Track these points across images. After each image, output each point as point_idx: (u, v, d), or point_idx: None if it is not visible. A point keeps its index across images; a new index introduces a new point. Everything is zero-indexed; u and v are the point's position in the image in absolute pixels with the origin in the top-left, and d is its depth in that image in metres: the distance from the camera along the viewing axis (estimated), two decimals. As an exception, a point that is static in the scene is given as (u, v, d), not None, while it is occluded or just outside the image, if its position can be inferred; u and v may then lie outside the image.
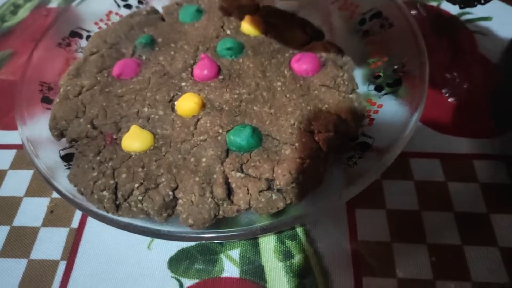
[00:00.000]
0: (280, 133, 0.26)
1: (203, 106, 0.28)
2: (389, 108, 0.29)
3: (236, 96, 0.29)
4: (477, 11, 0.38)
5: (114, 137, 0.27)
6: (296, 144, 0.25)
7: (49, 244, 0.28)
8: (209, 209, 0.23)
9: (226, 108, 0.28)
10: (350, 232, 0.27)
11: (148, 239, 0.27)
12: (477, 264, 0.25)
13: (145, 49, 0.33)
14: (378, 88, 0.31)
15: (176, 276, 0.26)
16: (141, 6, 0.39)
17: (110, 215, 0.25)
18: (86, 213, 0.25)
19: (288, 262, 0.26)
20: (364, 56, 0.34)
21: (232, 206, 0.24)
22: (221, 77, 0.30)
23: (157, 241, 0.27)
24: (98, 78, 0.31)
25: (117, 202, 0.24)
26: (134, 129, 0.27)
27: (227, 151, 0.26)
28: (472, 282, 0.24)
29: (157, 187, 0.24)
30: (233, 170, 0.24)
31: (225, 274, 0.26)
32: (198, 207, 0.23)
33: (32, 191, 0.30)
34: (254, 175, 0.24)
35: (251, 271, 0.26)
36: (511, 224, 0.26)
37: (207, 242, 0.27)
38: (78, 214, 0.29)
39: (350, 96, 0.29)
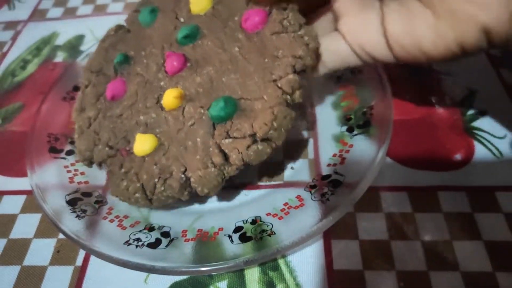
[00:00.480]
0: (249, 93, 0.29)
1: (183, 97, 0.31)
2: (360, 147, 0.32)
3: (205, 76, 0.31)
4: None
5: (128, 149, 0.31)
6: (265, 97, 0.28)
7: (56, 282, 0.31)
8: (216, 176, 0.27)
9: (201, 90, 0.30)
10: (327, 262, 0.29)
11: (145, 274, 0.30)
12: (441, 288, 0.28)
13: (123, 66, 0.34)
14: (350, 130, 0.34)
15: (170, 307, 0.29)
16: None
17: (111, 253, 0.28)
18: (89, 251, 0.28)
19: (270, 291, 0.29)
20: (337, 99, 0.38)
21: (232, 167, 0.27)
22: (189, 64, 0.32)
23: (152, 276, 0.30)
24: (99, 106, 0.34)
25: (148, 198, 0.28)
26: (139, 137, 0.30)
27: (214, 125, 0.29)
28: (437, 304, 0.27)
29: (171, 175, 0.28)
30: (223, 139, 0.28)
31: (214, 304, 0.28)
32: (206, 178, 0.27)
33: (40, 233, 0.34)
34: (239, 136, 0.27)
35: (238, 301, 0.28)
36: (471, 250, 0.29)
37: (197, 275, 0.30)
38: (82, 253, 0.32)
39: (299, 33, 0.29)
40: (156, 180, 0.28)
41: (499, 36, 0.21)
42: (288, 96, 0.28)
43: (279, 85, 0.28)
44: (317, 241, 0.30)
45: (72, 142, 0.36)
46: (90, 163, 0.32)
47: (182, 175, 0.28)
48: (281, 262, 0.30)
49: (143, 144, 0.30)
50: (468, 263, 0.28)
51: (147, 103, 0.32)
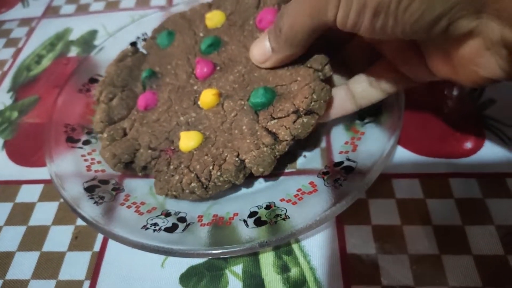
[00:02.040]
0: (283, 79, 0.31)
1: (219, 94, 0.33)
2: (371, 135, 0.33)
3: (237, 74, 0.34)
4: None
5: (172, 148, 0.32)
6: (298, 78, 0.30)
7: (75, 266, 0.31)
8: (269, 155, 0.29)
9: (236, 86, 0.33)
10: (340, 246, 0.30)
11: (161, 258, 0.31)
12: (453, 271, 0.28)
13: (152, 80, 0.38)
14: (361, 117, 0.35)
15: (187, 290, 0.29)
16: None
17: (129, 237, 0.28)
18: (108, 235, 0.29)
19: (285, 275, 0.29)
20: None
21: (282, 144, 0.29)
22: (218, 68, 0.35)
23: (169, 260, 0.31)
24: (133, 118, 0.36)
25: (204, 186, 0.29)
26: (184, 134, 0.32)
27: (256, 112, 0.31)
28: (449, 286, 0.27)
29: (225, 161, 0.29)
30: (268, 122, 0.30)
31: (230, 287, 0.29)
32: (261, 157, 0.29)
33: (58, 220, 0.34)
34: (283, 115, 0.29)
35: (253, 284, 0.29)
36: (483, 235, 0.29)
37: (214, 259, 0.30)
38: (99, 239, 0.33)
39: None
40: (211, 167, 0.30)
41: None
42: (319, 73, 0.30)
43: (309, 65, 0.30)
44: (330, 227, 0.31)
45: (88, 133, 0.37)
46: (125, 167, 0.33)
47: (236, 158, 0.30)
48: (295, 246, 0.30)
49: (188, 140, 0.32)
50: (480, 247, 0.29)
51: (183, 105, 0.34)
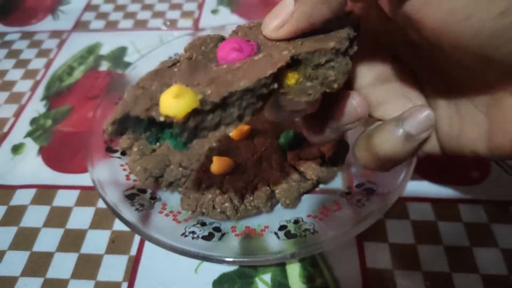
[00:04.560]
0: None
1: (250, 130, 0.38)
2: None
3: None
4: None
5: (204, 169, 0.35)
6: None
7: (112, 268, 0.34)
8: (296, 190, 0.34)
9: (267, 126, 0.38)
10: (360, 261, 0.33)
11: (195, 264, 0.33)
12: None
13: None
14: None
15: (220, 295, 0.32)
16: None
17: (168, 241, 0.31)
18: (149, 240, 0.31)
19: (310, 285, 0.32)
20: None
21: (307, 182, 0.34)
22: None
23: (202, 266, 0.33)
24: None
25: (235, 208, 0.32)
26: (216, 159, 0.35)
27: (284, 151, 0.36)
28: (459, 302, 0.30)
29: (256, 188, 0.33)
30: (296, 161, 0.35)
31: (259, 294, 0.32)
32: (290, 191, 0.33)
33: (95, 225, 0.37)
34: (310, 158, 0.35)
35: (281, 292, 0.32)
36: (489, 256, 0.33)
37: (244, 267, 0.33)
38: (135, 244, 0.35)
39: None
40: (244, 191, 0.33)
41: None
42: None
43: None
44: (350, 242, 0.34)
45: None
46: (156, 180, 0.36)
47: (268, 188, 0.33)
48: (319, 259, 0.33)
49: (221, 164, 0.35)
50: (486, 267, 0.32)
51: (215, 133, 0.36)
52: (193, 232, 0.32)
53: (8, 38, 0.58)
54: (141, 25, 0.58)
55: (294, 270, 0.33)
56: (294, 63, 0.21)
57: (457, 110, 0.23)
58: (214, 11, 0.60)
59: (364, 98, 0.24)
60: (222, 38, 0.24)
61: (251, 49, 0.22)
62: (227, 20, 0.57)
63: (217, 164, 0.35)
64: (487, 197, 0.36)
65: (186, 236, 0.32)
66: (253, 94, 0.19)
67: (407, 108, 0.24)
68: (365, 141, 0.25)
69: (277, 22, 0.22)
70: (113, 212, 0.33)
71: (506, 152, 0.21)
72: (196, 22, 0.58)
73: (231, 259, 0.30)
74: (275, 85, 0.20)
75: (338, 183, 0.37)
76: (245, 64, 0.20)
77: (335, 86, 0.21)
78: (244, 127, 0.38)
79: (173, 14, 0.60)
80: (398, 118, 0.24)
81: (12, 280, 0.33)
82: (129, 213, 0.33)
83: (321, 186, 0.37)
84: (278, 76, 0.20)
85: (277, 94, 0.21)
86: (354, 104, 0.24)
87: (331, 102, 0.24)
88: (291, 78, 0.21)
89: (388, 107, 0.25)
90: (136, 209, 0.34)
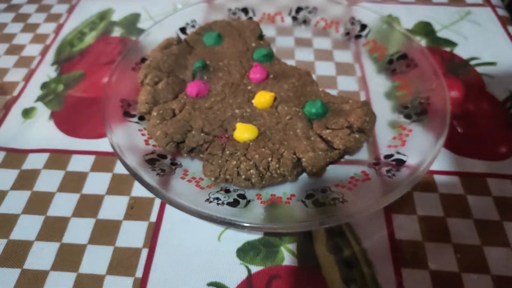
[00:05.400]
0: (334, 98, 0.37)
1: (274, 98, 0.36)
2: (418, 132, 0.35)
3: (291, 85, 0.38)
4: (484, 57, 0.46)
5: (227, 135, 0.34)
6: (350, 101, 0.36)
7: (132, 235, 0.32)
8: (323, 159, 0.33)
9: (291, 94, 0.37)
10: (388, 232, 0.32)
11: (218, 232, 0.32)
12: (495, 261, 0.30)
13: (204, 71, 0.40)
14: (407, 116, 0.37)
15: (244, 263, 0.31)
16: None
17: (193, 206, 0.29)
18: (171, 204, 0.30)
19: (338, 254, 0.31)
20: (392, 89, 0.41)
21: (334, 152, 0.33)
22: (271, 76, 0.39)
23: (225, 234, 0.32)
24: (182, 101, 0.37)
25: (260, 175, 0.31)
26: (240, 125, 0.34)
27: (309, 120, 0.35)
28: (491, 275, 0.30)
29: (282, 156, 0.32)
30: (322, 130, 0.34)
31: (285, 263, 0.31)
32: (316, 159, 0.32)
33: (112, 191, 0.35)
34: (337, 127, 0.34)
35: (308, 261, 0.31)
36: (520, 230, 0.32)
37: (269, 235, 0.32)
38: (155, 210, 0.34)
39: None
40: (270, 159, 0.32)
41: None
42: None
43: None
44: (378, 214, 0.33)
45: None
46: (177, 145, 0.34)
47: (294, 156, 0.32)
48: (346, 229, 0.32)
49: (244, 131, 0.34)
50: (518, 241, 0.31)
51: (238, 100, 0.37)
52: (217, 199, 0.31)
53: (15, 1, 0.56)
54: (154, -8, 0.56)
55: (320, 240, 0.32)
56: None
57: None
58: (230, -20, 0.57)
59: None
60: None
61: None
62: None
63: (241, 131, 0.34)
64: (516, 171, 0.35)
65: (210, 202, 0.31)
66: None
67: None
68: None
69: None
70: (134, 177, 0.31)
71: None
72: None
73: (264, 225, 0.29)
74: None
75: (363, 154, 0.36)
76: None
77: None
78: (267, 95, 0.36)
79: (187, -18, 0.57)
80: None
81: (27, 244, 0.32)
82: (150, 177, 0.32)
83: (346, 157, 0.36)
84: None
85: None
86: None
87: None
88: None
89: None
90: (157, 174, 0.32)
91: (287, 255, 0.31)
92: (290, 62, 0.42)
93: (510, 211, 0.33)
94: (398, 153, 0.34)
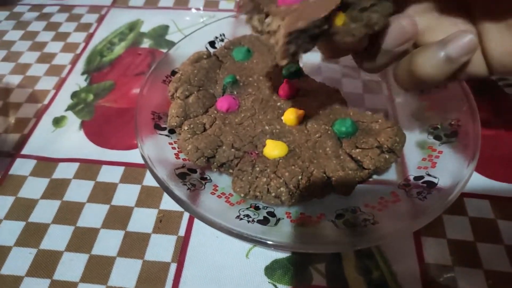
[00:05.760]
0: (364, 117, 0.36)
1: (303, 115, 0.36)
2: (449, 155, 0.35)
3: (320, 102, 0.38)
4: (513, 78, 0.45)
5: (256, 152, 0.34)
6: (379, 121, 0.35)
7: (161, 248, 0.33)
8: (352, 179, 0.32)
9: (320, 112, 0.37)
10: (418, 256, 0.32)
11: (246, 249, 0.32)
12: (527, 289, 0.30)
13: (234, 86, 0.40)
14: (437, 138, 0.37)
15: (272, 281, 0.31)
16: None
17: (224, 223, 0.30)
18: (202, 219, 0.30)
19: (367, 276, 0.31)
20: (420, 109, 0.41)
21: (364, 171, 0.33)
22: (300, 92, 0.39)
23: (253, 252, 0.32)
24: (212, 115, 0.37)
25: (290, 193, 0.31)
26: (270, 142, 0.34)
27: (339, 139, 0.35)
28: (523, 303, 0.29)
29: (312, 174, 0.32)
30: (352, 149, 0.33)
31: (314, 283, 0.31)
32: (347, 179, 0.32)
33: (141, 203, 0.36)
34: (367, 147, 0.33)
35: (336, 282, 0.31)
36: (553, 258, 0.31)
37: (297, 254, 0.32)
38: (183, 224, 0.34)
39: None
40: (300, 177, 0.32)
41: None
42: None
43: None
44: (407, 236, 0.33)
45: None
46: (207, 160, 0.34)
47: (324, 175, 0.32)
48: (375, 252, 0.32)
49: (274, 148, 0.34)
50: (551, 270, 0.31)
51: (268, 116, 0.37)
52: (247, 216, 0.31)
53: (46, 10, 0.57)
54: (182, 4, 0.57)
55: (349, 261, 0.32)
56: (343, 6, 0.24)
57: (507, 26, 0.24)
58: (256, -6, 0.58)
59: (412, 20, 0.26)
60: None
61: None
62: (270, 4, 0.56)
63: (271, 148, 0.34)
64: (549, 198, 0.35)
65: (241, 219, 0.31)
66: (306, 33, 0.23)
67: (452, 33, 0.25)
68: (408, 60, 0.27)
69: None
70: (164, 190, 0.31)
71: None
72: (238, 4, 0.57)
73: (296, 246, 0.29)
74: (326, 26, 0.24)
75: (391, 174, 0.36)
76: (301, 5, 0.24)
77: (376, 28, 0.25)
78: (298, 112, 0.36)
79: (215, -5, 0.58)
80: (442, 41, 0.25)
81: (57, 254, 0.33)
82: (181, 192, 0.32)
83: (374, 176, 0.36)
84: (329, 18, 0.24)
85: (327, 34, 0.24)
86: (403, 24, 0.26)
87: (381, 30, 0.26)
88: (340, 20, 0.24)
89: (435, 33, 0.27)
90: (188, 189, 0.33)
91: (315, 275, 0.31)
92: (318, 79, 0.42)
93: (542, 238, 0.32)
94: (429, 175, 0.34)
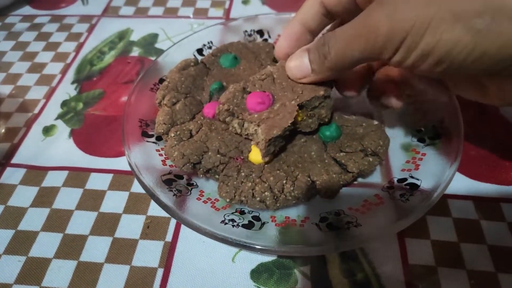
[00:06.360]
0: (348, 121, 0.37)
1: None
2: (432, 157, 0.35)
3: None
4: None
5: (242, 157, 0.34)
6: (364, 124, 0.36)
7: (148, 254, 0.33)
8: (336, 182, 0.33)
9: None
10: (402, 257, 0.32)
11: (232, 253, 0.33)
12: (509, 288, 0.30)
13: (220, 92, 0.40)
14: (421, 140, 0.37)
15: (258, 285, 0.31)
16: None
17: (209, 228, 0.30)
18: (187, 225, 0.30)
19: (352, 279, 0.31)
20: (406, 113, 0.41)
21: (348, 175, 0.34)
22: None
23: (239, 256, 0.33)
24: (199, 122, 0.37)
25: (274, 198, 0.31)
26: (255, 147, 0.34)
27: (323, 143, 0.36)
28: (506, 302, 0.30)
29: (296, 178, 0.32)
30: (337, 153, 0.34)
31: (299, 286, 0.31)
32: (331, 182, 0.33)
33: (129, 209, 0.36)
34: (351, 151, 0.34)
35: (321, 284, 0.31)
36: (535, 257, 0.32)
37: (282, 258, 0.32)
38: (171, 229, 0.35)
39: None
40: (284, 181, 0.32)
41: None
42: (383, 124, 0.35)
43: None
44: (391, 238, 0.33)
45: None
46: (193, 166, 0.35)
47: (308, 179, 0.33)
48: (359, 253, 0.32)
49: (259, 153, 0.33)
50: (533, 268, 0.31)
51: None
52: (232, 220, 0.32)
53: (37, 20, 0.58)
54: (171, 12, 0.58)
55: (334, 264, 0.32)
56: (300, 107, 0.32)
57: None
58: (245, 2, 0.59)
59: None
60: (244, 89, 0.34)
61: (269, 100, 0.33)
62: (258, 11, 0.56)
63: (256, 153, 0.34)
64: (532, 197, 0.35)
65: (226, 223, 0.31)
66: (280, 136, 0.31)
67: None
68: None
69: (298, 75, 0.32)
70: (151, 197, 0.32)
71: None
72: (227, 12, 0.57)
73: (279, 249, 0.29)
74: (293, 127, 0.32)
75: (376, 177, 0.36)
76: (271, 114, 0.32)
77: (326, 120, 0.34)
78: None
79: (204, 3, 0.59)
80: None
81: (46, 261, 0.33)
82: (167, 198, 0.32)
83: (359, 179, 0.37)
84: (294, 121, 0.31)
85: (293, 130, 0.33)
86: None
87: None
88: (299, 117, 0.33)
89: None
90: (174, 195, 0.33)
91: (300, 278, 0.31)
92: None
93: (524, 238, 0.33)
94: (412, 177, 0.34)
